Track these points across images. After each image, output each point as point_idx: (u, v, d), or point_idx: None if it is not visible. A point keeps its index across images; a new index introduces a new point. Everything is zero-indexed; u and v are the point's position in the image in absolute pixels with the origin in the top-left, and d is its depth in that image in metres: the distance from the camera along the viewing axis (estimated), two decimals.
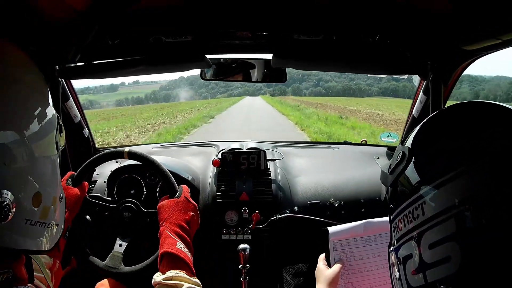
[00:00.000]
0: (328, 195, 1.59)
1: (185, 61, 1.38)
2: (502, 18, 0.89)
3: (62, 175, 1.32)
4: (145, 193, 1.59)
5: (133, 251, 1.35)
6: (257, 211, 1.51)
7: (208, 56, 1.39)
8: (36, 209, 0.70)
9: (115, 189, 1.59)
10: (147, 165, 1.34)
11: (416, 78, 1.67)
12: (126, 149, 1.36)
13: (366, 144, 2.18)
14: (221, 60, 1.52)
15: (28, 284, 0.75)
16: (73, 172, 1.34)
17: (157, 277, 1.02)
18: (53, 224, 0.78)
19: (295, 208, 1.56)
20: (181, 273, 1.02)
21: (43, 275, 0.91)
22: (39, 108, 0.73)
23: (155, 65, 1.37)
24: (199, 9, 1.11)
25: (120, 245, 1.33)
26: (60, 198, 0.81)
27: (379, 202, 1.56)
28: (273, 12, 1.14)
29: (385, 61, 1.34)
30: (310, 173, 1.73)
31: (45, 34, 1.07)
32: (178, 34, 1.28)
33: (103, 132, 17.22)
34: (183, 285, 0.99)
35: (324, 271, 1.05)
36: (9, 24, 0.91)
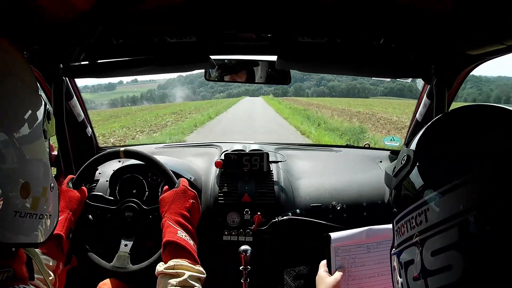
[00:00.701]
0: (330, 198, 1.59)
1: (189, 62, 1.38)
2: (506, 23, 0.89)
3: (66, 174, 1.33)
4: (147, 193, 1.60)
5: (139, 249, 1.36)
6: (259, 213, 1.50)
7: (212, 57, 1.39)
8: (25, 200, 0.68)
9: (117, 188, 1.59)
10: (145, 162, 1.35)
11: (420, 82, 1.66)
12: (122, 148, 1.37)
13: (369, 148, 2.18)
14: (225, 61, 1.53)
15: (29, 283, 0.74)
16: (73, 176, 1.35)
17: (159, 266, 1.03)
18: (46, 216, 0.76)
19: (297, 210, 1.55)
20: (183, 262, 1.02)
21: (42, 276, 0.91)
22: (30, 107, 0.72)
23: (159, 65, 1.38)
24: (203, 10, 1.11)
25: (126, 245, 1.34)
26: (51, 188, 0.78)
27: (381, 205, 1.56)
28: (277, 14, 1.14)
29: (389, 65, 1.33)
30: (312, 175, 1.73)
31: (49, 33, 1.08)
32: (183, 34, 1.28)
33: None
34: (184, 273, 0.99)
35: (325, 278, 1.04)
36: (13, 23, 0.92)
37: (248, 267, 1.35)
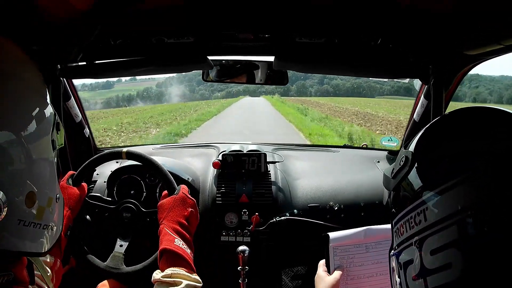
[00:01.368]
0: (328, 198, 1.59)
1: (187, 62, 1.38)
2: (504, 23, 0.90)
3: (63, 175, 1.33)
4: (145, 194, 1.59)
5: (134, 251, 1.35)
6: (256, 214, 1.50)
7: (210, 57, 1.39)
8: (30, 209, 0.68)
9: (115, 189, 1.59)
10: (146, 164, 1.35)
11: (417, 82, 1.67)
12: (124, 149, 1.36)
13: (366, 148, 2.18)
14: (223, 61, 1.53)
15: (29, 286, 0.74)
16: (73, 172, 1.34)
17: (156, 274, 1.02)
18: (50, 226, 0.76)
19: (295, 210, 1.56)
20: (180, 270, 1.01)
21: (39, 273, 0.91)
22: (37, 108, 0.72)
23: (157, 66, 1.38)
24: (201, 10, 1.11)
25: (121, 246, 1.34)
26: (57, 199, 0.79)
27: (379, 206, 1.56)
28: (275, 14, 1.14)
29: (386, 65, 1.34)
30: (310, 176, 1.73)
31: (47, 34, 1.08)
32: (181, 35, 1.28)
33: None
34: (181, 282, 0.98)
35: (324, 278, 1.04)
36: (12, 23, 0.91)
37: (246, 267, 1.34)
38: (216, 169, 1.68)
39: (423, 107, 1.58)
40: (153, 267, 1.25)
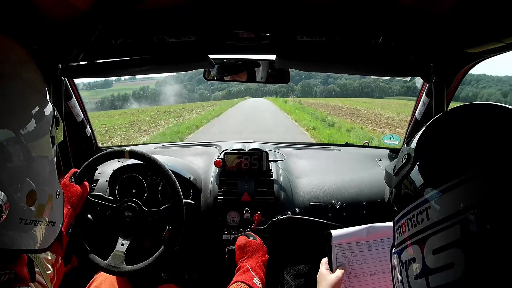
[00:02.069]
0: (329, 197, 1.59)
1: (188, 61, 1.38)
2: (505, 21, 0.89)
3: (65, 173, 1.33)
4: (146, 193, 1.60)
5: (135, 250, 1.35)
6: (258, 212, 1.50)
7: (211, 56, 1.39)
8: (30, 207, 0.69)
9: (116, 188, 1.59)
10: (149, 164, 1.35)
11: (419, 80, 1.66)
12: (127, 148, 1.37)
13: (368, 146, 2.18)
14: (224, 60, 1.52)
15: (30, 284, 0.74)
16: (76, 170, 1.35)
17: None
18: (50, 222, 0.76)
19: (297, 209, 1.56)
20: None
21: (39, 269, 0.91)
22: (37, 106, 0.72)
23: (158, 65, 1.38)
24: (202, 10, 1.11)
25: (122, 244, 1.34)
26: (57, 195, 0.79)
27: (381, 204, 1.56)
28: (276, 13, 1.14)
29: (388, 63, 1.34)
30: (312, 174, 1.73)
31: (48, 33, 1.08)
32: (182, 34, 1.28)
33: None
34: None
35: (326, 276, 1.04)
36: (13, 22, 0.91)
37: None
38: (218, 168, 1.68)
39: (425, 105, 1.58)
40: (154, 266, 1.26)
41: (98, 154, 1.38)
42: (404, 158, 0.58)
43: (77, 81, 1.68)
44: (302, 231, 1.55)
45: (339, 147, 2.09)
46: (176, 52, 1.36)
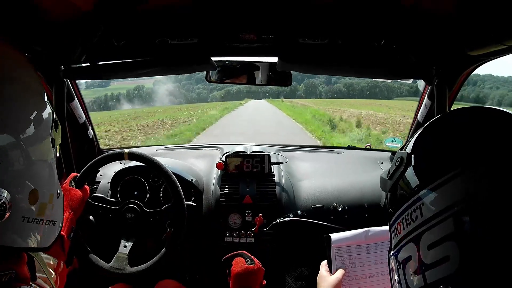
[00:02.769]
0: (331, 200, 1.59)
1: (191, 63, 1.38)
2: (507, 24, 0.89)
3: (66, 176, 1.33)
4: (148, 195, 1.60)
5: (138, 252, 1.36)
6: (260, 215, 1.50)
7: (213, 58, 1.39)
8: (32, 206, 0.70)
9: (118, 190, 1.59)
10: (148, 165, 1.35)
11: (421, 83, 1.66)
12: (126, 150, 1.37)
13: (370, 149, 2.18)
14: (226, 62, 1.53)
15: (31, 283, 0.75)
16: (76, 174, 1.35)
17: None
18: (51, 221, 0.77)
19: (299, 212, 1.55)
20: None
21: (45, 276, 0.91)
22: (35, 109, 0.72)
23: (161, 67, 1.38)
24: (204, 12, 1.12)
25: (125, 246, 1.34)
26: (57, 195, 0.80)
27: (383, 207, 1.56)
28: (278, 15, 1.15)
29: (390, 66, 1.34)
30: (314, 177, 1.73)
31: (50, 34, 1.08)
32: (184, 36, 1.29)
33: None
34: None
35: (326, 277, 1.04)
36: (15, 23, 0.92)
37: None
38: (219, 170, 1.68)
39: (427, 108, 1.58)
40: (157, 267, 1.26)
41: (97, 158, 1.38)
42: (398, 161, 0.59)
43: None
44: (304, 233, 1.54)
45: (341, 150, 2.08)
46: (178, 54, 1.36)
